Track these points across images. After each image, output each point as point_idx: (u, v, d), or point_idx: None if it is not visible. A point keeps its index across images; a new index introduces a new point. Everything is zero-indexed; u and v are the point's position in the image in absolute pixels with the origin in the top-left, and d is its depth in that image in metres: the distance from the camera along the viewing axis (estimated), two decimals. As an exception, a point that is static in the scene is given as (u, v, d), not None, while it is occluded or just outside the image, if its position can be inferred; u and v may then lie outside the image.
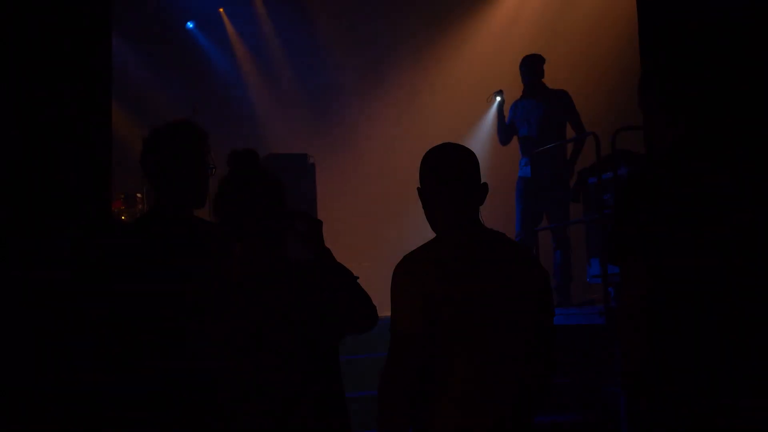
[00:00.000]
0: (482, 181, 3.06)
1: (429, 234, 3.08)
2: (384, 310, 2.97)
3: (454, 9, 12.98)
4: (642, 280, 2.87)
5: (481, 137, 12.62)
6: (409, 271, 2.92)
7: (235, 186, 3.16)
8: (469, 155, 3.07)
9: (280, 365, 2.98)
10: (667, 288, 2.86)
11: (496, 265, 2.93)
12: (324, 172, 10.52)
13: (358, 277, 3.17)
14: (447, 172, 3.00)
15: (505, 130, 8.49)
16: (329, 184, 11.41)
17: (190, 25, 13.63)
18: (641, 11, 4.21)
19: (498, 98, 8.56)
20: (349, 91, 13.27)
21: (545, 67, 8.26)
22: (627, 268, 2.93)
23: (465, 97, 12.99)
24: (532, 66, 8.20)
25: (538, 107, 8.16)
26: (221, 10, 13.76)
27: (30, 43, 3.53)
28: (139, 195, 10.47)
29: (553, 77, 8.34)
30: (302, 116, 13.22)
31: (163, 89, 13.07)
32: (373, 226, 12.74)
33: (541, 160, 7.94)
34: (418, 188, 3.06)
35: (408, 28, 13.24)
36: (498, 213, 11.58)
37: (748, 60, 3.69)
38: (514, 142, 8.41)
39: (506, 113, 8.53)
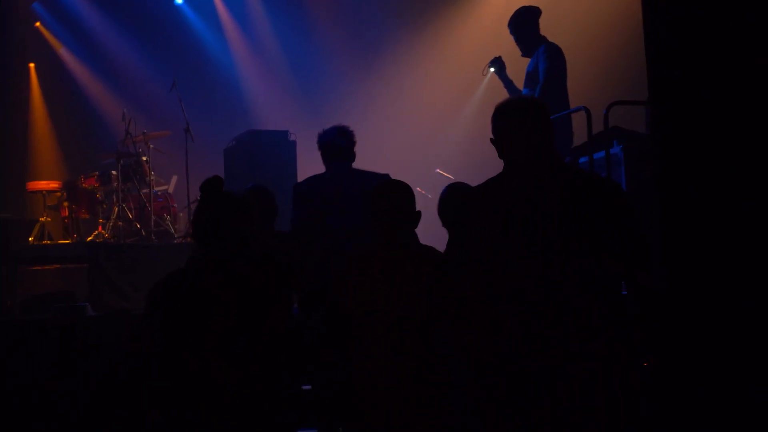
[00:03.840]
0: (417, 209, 3.76)
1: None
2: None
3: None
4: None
5: (471, 116, 12.30)
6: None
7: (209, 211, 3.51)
8: (404, 191, 3.75)
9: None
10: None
11: (389, 277, 3.58)
12: (307, 151, 10.12)
13: None
14: (385, 208, 3.66)
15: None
16: (313, 164, 11.02)
17: (179, 0, 13.31)
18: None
19: (492, 69, 7.72)
20: (339, 71, 12.89)
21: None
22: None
23: (457, 78, 12.63)
24: (517, 21, 7.43)
25: (529, 65, 7.44)
26: None
27: None
28: (114, 173, 10.07)
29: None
30: (289, 94, 12.88)
31: (146, 65, 12.79)
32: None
33: None
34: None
35: (402, 7, 12.85)
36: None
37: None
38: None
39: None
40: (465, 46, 12.62)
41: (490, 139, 3.33)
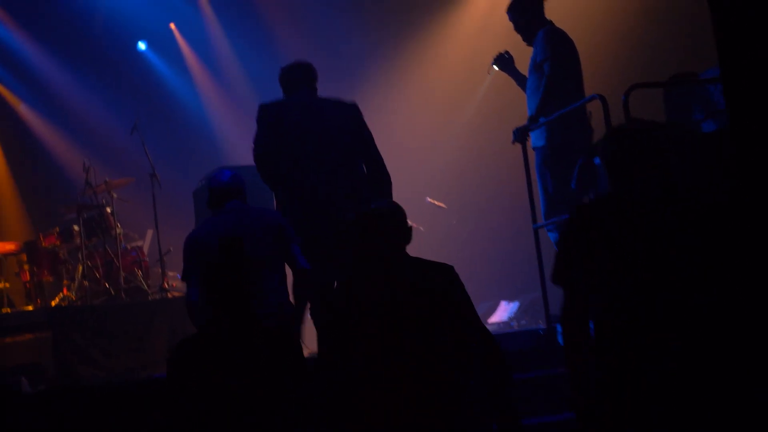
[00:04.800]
0: (408, 225, 3.73)
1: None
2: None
3: (421, 15, 12.03)
4: (583, 299, 3.25)
5: (458, 138, 11.69)
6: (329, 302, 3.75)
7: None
8: (395, 213, 3.70)
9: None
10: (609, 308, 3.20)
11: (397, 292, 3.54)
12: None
13: None
14: (375, 234, 3.64)
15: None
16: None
17: (142, 46, 12.84)
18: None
19: (496, 67, 6.80)
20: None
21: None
22: (569, 288, 3.28)
23: (440, 100, 12.05)
24: (516, 5, 6.47)
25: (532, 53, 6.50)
26: (172, 25, 12.97)
27: None
28: (75, 228, 9.19)
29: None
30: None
31: (108, 112, 12.20)
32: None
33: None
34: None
35: (378, 35, 12.23)
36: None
37: None
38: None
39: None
40: (446, 67, 12.04)
41: (600, 158, 3.43)
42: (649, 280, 3.13)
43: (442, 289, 3.54)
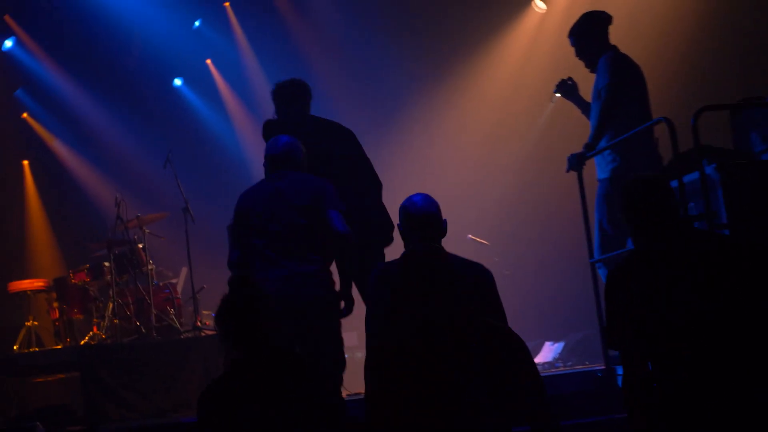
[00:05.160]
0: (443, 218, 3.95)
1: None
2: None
3: (460, 47, 11.82)
4: (640, 361, 3.30)
5: (503, 175, 11.40)
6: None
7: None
8: (432, 204, 3.92)
9: None
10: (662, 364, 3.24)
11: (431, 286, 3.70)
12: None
13: None
14: (417, 218, 3.86)
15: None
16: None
17: (177, 82, 12.77)
18: None
19: (558, 94, 6.42)
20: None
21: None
22: (626, 352, 3.34)
23: (483, 134, 11.80)
24: (578, 31, 6.05)
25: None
26: (208, 61, 12.86)
27: None
28: (106, 264, 8.92)
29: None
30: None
31: (142, 147, 12.00)
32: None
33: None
34: (398, 224, 4.00)
35: (415, 67, 12.01)
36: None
37: None
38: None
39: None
40: (488, 98, 11.76)
41: (623, 214, 3.46)
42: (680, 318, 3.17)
43: (467, 286, 3.66)
